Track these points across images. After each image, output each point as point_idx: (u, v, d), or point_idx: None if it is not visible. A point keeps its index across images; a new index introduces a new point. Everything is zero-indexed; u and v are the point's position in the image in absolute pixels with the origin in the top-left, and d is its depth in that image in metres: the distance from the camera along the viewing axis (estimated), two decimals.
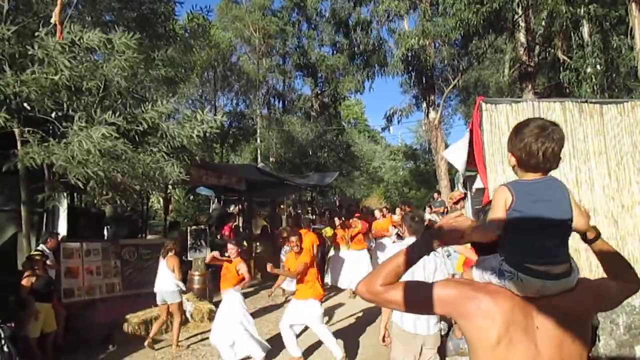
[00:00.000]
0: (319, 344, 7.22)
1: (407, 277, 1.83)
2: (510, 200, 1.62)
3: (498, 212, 1.64)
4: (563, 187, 1.68)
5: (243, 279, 6.90)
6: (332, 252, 12.12)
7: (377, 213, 13.32)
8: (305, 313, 6.63)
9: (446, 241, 1.76)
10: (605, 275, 1.86)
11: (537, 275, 1.57)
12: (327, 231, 11.90)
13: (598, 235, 1.81)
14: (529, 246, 1.60)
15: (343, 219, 12.36)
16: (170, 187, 8.79)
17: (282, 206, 20.65)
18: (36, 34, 6.87)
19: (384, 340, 4.65)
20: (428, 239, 1.76)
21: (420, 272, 4.17)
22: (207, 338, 8.18)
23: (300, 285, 6.76)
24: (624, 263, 1.84)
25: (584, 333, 1.66)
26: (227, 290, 6.89)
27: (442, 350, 2.59)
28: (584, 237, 1.81)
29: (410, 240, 4.59)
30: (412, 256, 1.76)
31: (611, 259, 1.84)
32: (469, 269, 1.88)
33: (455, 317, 1.71)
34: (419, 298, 1.73)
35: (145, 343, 7.64)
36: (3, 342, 2.32)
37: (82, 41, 6.99)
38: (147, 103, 8.10)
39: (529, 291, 1.60)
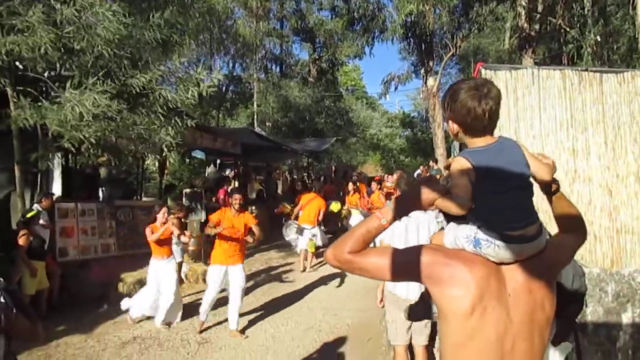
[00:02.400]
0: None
1: (401, 246, 1.79)
2: (473, 172, 1.57)
3: (461, 184, 1.58)
4: (516, 144, 1.65)
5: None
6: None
7: (391, 178, 13.42)
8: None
9: (409, 207, 1.70)
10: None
11: (514, 240, 1.55)
12: (335, 206, 11.90)
13: (558, 187, 1.77)
14: (501, 212, 1.56)
15: (357, 185, 12.49)
16: (165, 149, 8.76)
17: (277, 171, 20.64)
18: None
19: (381, 302, 4.71)
20: (393, 204, 1.69)
21: (414, 242, 4.18)
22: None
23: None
24: (579, 215, 1.82)
25: (552, 296, 1.64)
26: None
27: (422, 313, 2.55)
28: (547, 188, 1.76)
29: None
30: (382, 223, 1.68)
31: (568, 212, 1.81)
32: (438, 234, 1.83)
33: (427, 284, 1.64)
34: (388, 265, 1.65)
35: None
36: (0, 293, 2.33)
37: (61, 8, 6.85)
38: (141, 65, 7.99)
39: (506, 257, 1.57)
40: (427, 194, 1.63)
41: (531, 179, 1.63)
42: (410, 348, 4.60)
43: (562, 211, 1.81)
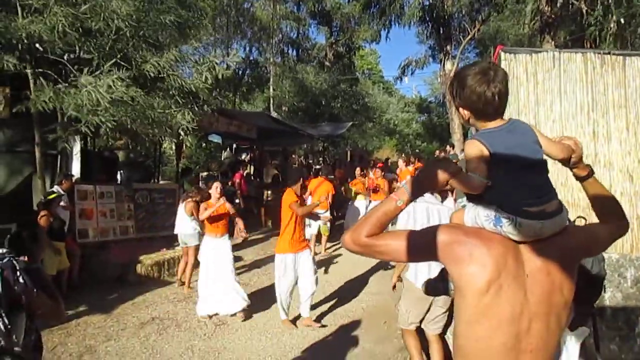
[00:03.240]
0: None
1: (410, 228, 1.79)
2: (487, 153, 1.59)
3: (476, 164, 1.60)
4: (527, 125, 1.67)
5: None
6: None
7: (400, 162, 13.27)
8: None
9: (424, 187, 1.70)
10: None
11: (535, 217, 1.56)
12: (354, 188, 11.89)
13: (591, 173, 1.77)
14: (518, 190, 1.57)
15: (364, 170, 12.44)
16: (182, 133, 8.82)
17: (293, 156, 20.64)
18: None
19: (394, 288, 4.72)
20: (408, 185, 1.70)
21: (425, 224, 4.17)
22: None
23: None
24: (616, 203, 1.81)
25: (571, 281, 1.64)
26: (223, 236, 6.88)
27: (442, 289, 2.57)
28: (574, 173, 1.78)
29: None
30: (398, 204, 1.68)
31: (603, 199, 1.80)
32: (458, 213, 1.84)
33: (445, 262, 1.66)
34: (407, 246, 1.67)
35: (176, 285, 8.04)
36: (18, 273, 2.39)
37: None
38: (157, 48, 8.01)
39: (527, 234, 1.58)
40: (441, 173, 1.63)
41: (545, 158, 1.64)
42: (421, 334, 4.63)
43: (594, 198, 1.81)
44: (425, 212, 4.28)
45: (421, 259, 1.81)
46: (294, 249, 6.29)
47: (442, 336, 4.65)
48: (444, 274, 2.12)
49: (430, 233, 1.69)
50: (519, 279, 1.57)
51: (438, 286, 2.41)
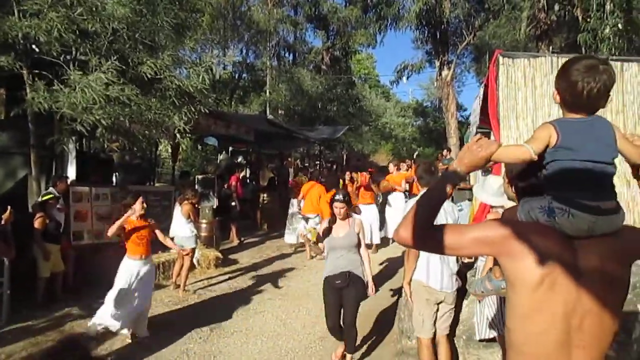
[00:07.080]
0: None
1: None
2: (556, 138, 1.60)
3: (537, 140, 1.63)
4: (608, 125, 1.66)
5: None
6: None
7: (391, 167, 13.26)
8: None
9: (471, 164, 1.68)
10: None
11: (589, 210, 1.56)
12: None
13: None
14: (578, 182, 1.58)
15: (351, 174, 12.44)
16: (178, 135, 8.78)
17: (289, 159, 20.62)
18: None
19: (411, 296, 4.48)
20: (452, 169, 1.72)
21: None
22: (213, 284, 8.38)
23: None
24: None
25: (625, 281, 1.66)
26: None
27: (490, 289, 2.54)
28: (636, 173, 1.79)
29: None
30: (442, 193, 1.72)
31: None
32: (511, 208, 1.85)
33: (499, 256, 1.68)
34: (461, 240, 1.70)
35: (171, 288, 8.00)
36: None
37: None
38: (155, 50, 7.99)
39: (580, 228, 1.58)
40: (482, 150, 1.65)
41: (615, 162, 1.64)
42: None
43: None
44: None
45: (475, 252, 1.84)
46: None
47: (450, 337, 4.60)
48: (489, 274, 2.12)
49: (485, 228, 1.72)
50: (572, 275, 1.58)
51: (486, 286, 2.38)
